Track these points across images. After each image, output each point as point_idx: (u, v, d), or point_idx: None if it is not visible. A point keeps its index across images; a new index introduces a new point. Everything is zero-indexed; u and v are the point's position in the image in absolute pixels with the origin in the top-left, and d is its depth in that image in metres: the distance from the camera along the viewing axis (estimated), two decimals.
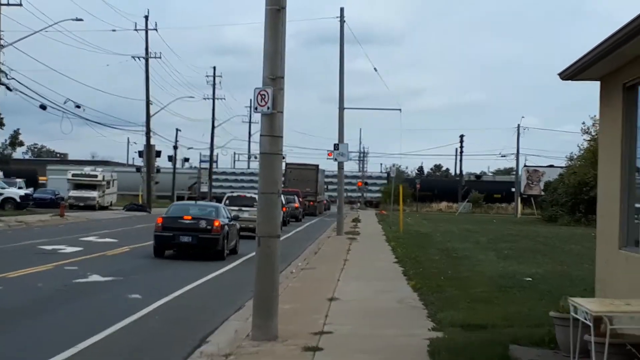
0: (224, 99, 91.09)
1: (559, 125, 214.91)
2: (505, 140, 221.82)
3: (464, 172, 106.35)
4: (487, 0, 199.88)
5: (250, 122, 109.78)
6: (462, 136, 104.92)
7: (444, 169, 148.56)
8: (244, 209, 36.16)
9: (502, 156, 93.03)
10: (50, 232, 36.62)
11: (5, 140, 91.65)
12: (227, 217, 27.33)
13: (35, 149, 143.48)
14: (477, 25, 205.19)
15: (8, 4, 41.05)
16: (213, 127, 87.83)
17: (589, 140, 56.63)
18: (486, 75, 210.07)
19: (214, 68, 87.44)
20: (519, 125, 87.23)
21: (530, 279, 19.23)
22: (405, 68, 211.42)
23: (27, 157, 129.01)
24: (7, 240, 30.45)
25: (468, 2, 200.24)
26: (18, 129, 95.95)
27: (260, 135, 12.31)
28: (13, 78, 41.76)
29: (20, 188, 61.16)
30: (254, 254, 13.01)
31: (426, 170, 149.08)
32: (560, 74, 13.11)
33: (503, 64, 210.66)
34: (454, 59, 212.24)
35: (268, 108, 11.94)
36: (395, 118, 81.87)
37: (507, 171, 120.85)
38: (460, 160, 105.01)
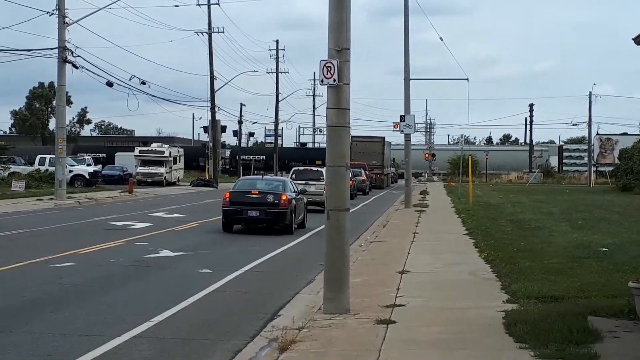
0: (288, 72, 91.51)
1: (633, 92, 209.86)
2: (577, 108, 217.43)
3: (534, 142, 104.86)
4: None
5: (314, 95, 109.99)
6: (531, 105, 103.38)
7: (512, 139, 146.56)
8: (310, 182, 36.14)
9: (573, 125, 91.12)
10: (119, 208, 37.13)
11: (73, 118, 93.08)
12: (294, 191, 27.30)
13: (103, 126, 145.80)
14: None
15: None
16: (277, 101, 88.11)
17: None
18: (558, 43, 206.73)
19: (277, 41, 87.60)
20: (590, 93, 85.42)
21: (605, 249, 18.77)
22: (475, 38, 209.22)
23: (94, 134, 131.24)
24: (78, 217, 30.94)
25: None
26: (85, 107, 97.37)
27: (327, 107, 12.18)
28: (79, 56, 42.19)
29: (89, 165, 62.14)
30: (321, 228, 12.93)
31: (495, 140, 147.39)
32: (635, 39, 12.68)
33: (575, 31, 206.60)
34: (525, 28, 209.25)
35: (334, 80, 11.79)
36: (463, 89, 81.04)
37: (579, 140, 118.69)
38: (530, 130, 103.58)
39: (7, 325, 11.11)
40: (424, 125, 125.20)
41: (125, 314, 12.11)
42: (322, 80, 12.00)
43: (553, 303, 12.00)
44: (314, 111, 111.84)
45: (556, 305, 11.78)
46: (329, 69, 11.81)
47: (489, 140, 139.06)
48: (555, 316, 10.69)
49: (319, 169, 38.98)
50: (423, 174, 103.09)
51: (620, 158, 68.99)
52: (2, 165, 54.55)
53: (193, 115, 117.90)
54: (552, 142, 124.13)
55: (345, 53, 11.89)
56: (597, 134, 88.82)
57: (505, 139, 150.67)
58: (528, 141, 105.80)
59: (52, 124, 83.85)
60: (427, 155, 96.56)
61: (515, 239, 21.57)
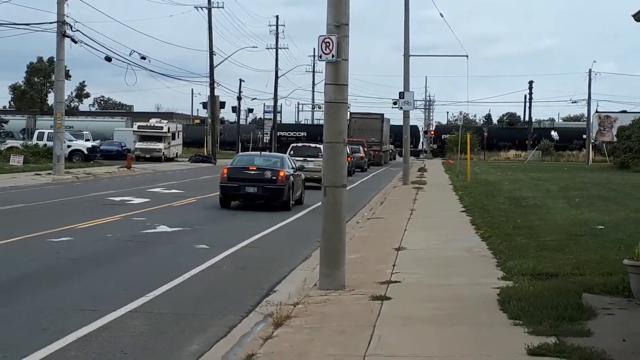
0: (287, 48, 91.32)
1: (634, 70, 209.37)
2: (577, 86, 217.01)
3: (533, 119, 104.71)
4: None
5: (314, 72, 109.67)
6: (531, 82, 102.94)
7: (516, 116, 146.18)
8: (308, 159, 36.10)
9: (572, 102, 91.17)
10: (117, 183, 37.13)
11: (72, 92, 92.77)
12: (292, 168, 27.30)
13: (102, 102, 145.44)
14: None
15: None
16: (277, 77, 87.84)
17: None
18: (559, 21, 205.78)
19: (277, 17, 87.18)
20: (590, 70, 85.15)
21: (602, 227, 18.79)
22: (477, 16, 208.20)
23: (93, 109, 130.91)
24: (76, 192, 30.95)
25: None
26: (84, 81, 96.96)
27: (325, 83, 12.17)
28: (78, 30, 42.03)
29: (87, 140, 62.06)
30: (319, 204, 12.94)
31: (495, 118, 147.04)
32: (634, 15, 12.63)
33: (577, 8, 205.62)
34: (527, 7, 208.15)
35: (333, 56, 11.77)
36: (464, 66, 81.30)
37: (578, 118, 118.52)
38: (530, 108, 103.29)
39: (3, 299, 11.14)
40: (423, 102, 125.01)
41: (122, 288, 12.15)
42: (320, 56, 11.99)
43: (548, 280, 12.03)
44: (313, 87, 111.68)
45: (551, 282, 11.82)
46: (328, 44, 11.78)
47: (488, 118, 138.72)
48: (549, 293, 10.73)
49: (317, 145, 38.93)
50: (423, 151, 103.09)
51: (619, 136, 68.95)
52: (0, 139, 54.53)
53: (192, 91, 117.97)
54: (552, 119, 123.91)
55: (344, 28, 11.85)
56: (597, 111, 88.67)
57: (509, 116, 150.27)
58: (527, 119, 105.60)
59: (50, 99, 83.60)
60: (433, 133, 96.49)
61: (512, 217, 21.60)
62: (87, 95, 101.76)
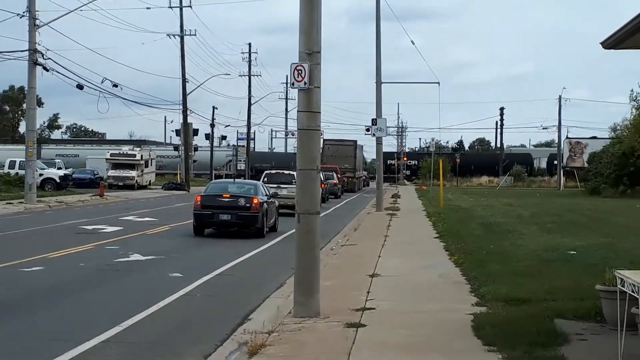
0: (260, 75, 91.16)
1: (605, 97, 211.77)
2: (548, 112, 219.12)
3: (505, 145, 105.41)
4: None
5: (286, 99, 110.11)
6: (502, 109, 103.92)
7: (486, 141, 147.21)
8: (282, 186, 36.10)
9: (543, 128, 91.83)
10: (90, 212, 36.90)
11: (44, 122, 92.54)
12: (266, 195, 27.28)
13: (74, 129, 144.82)
14: None
15: None
16: (250, 104, 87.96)
17: (638, 108, 55.26)
18: (531, 49, 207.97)
19: (249, 45, 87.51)
20: (560, 97, 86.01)
21: (574, 252, 18.93)
22: (452, 44, 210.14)
23: (65, 137, 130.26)
24: (48, 221, 30.72)
25: None
26: (57, 114, 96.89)
27: (298, 110, 12.22)
28: (49, 58, 41.85)
29: (59, 168, 61.66)
30: (293, 231, 12.92)
31: (467, 144, 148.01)
32: (602, 43, 12.78)
33: (548, 36, 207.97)
34: (500, 35, 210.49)
35: (305, 83, 11.82)
36: (435, 92, 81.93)
37: (548, 144, 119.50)
38: (501, 134, 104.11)
39: None
40: (396, 128, 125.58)
41: (95, 318, 12.05)
42: (293, 84, 12.03)
43: (521, 306, 12.08)
44: (286, 114, 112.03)
45: (524, 308, 11.87)
46: (300, 72, 11.83)
47: (460, 144, 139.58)
48: (523, 319, 10.78)
49: (291, 172, 38.96)
50: (395, 178, 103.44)
51: (590, 161, 69.63)
52: None
53: (165, 118, 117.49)
54: (522, 145, 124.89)
55: (316, 56, 11.92)
56: (567, 137, 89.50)
57: (480, 142, 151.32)
58: (499, 144, 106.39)
59: (22, 127, 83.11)
60: (405, 159, 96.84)
61: (485, 242, 21.70)
62: (59, 127, 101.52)
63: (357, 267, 17.76)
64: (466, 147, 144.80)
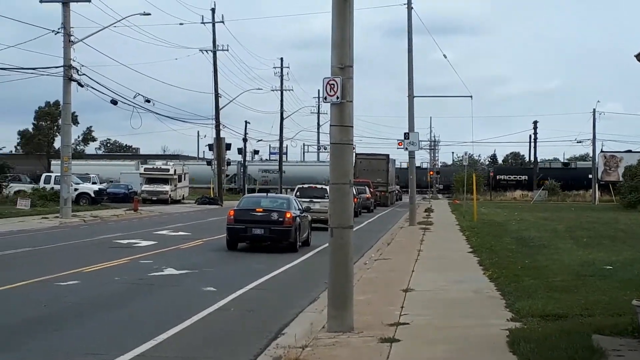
0: (292, 90, 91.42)
1: (639, 110, 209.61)
2: (582, 126, 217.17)
3: (538, 159, 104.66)
4: None
5: (318, 113, 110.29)
6: (535, 122, 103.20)
7: (520, 155, 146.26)
8: (315, 200, 36.13)
9: (578, 142, 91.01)
10: (124, 226, 37.15)
11: (79, 136, 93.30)
12: (299, 209, 27.30)
13: (109, 144, 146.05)
14: (556, 10, 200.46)
15: (77, 0, 41.45)
16: (282, 118, 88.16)
17: None
18: (565, 62, 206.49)
19: (282, 59, 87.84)
20: (594, 110, 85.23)
21: (610, 267, 18.73)
22: (482, 57, 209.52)
23: (100, 152, 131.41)
24: (83, 235, 30.97)
25: None
26: (91, 126, 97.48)
27: (330, 125, 12.21)
28: (84, 74, 42.32)
29: (94, 183, 62.19)
30: (326, 245, 12.93)
31: (500, 158, 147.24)
32: (637, 55, 12.67)
33: (582, 49, 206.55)
34: (535, 48, 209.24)
35: (337, 97, 11.82)
36: (468, 106, 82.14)
37: (583, 157, 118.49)
38: (535, 147, 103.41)
39: (10, 344, 11.11)
40: (429, 142, 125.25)
41: (129, 332, 12.11)
42: (325, 98, 12.03)
43: (557, 321, 11.97)
44: (318, 129, 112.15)
45: (560, 323, 11.76)
46: (332, 86, 11.85)
47: (493, 158, 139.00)
48: (559, 334, 10.66)
49: (324, 186, 38.98)
50: (428, 192, 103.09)
51: (625, 175, 68.90)
52: (5, 183, 54.69)
53: (198, 133, 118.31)
54: (556, 159, 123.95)
55: (348, 70, 11.93)
56: (602, 151, 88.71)
57: (514, 156, 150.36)
58: (532, 158, 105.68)
59: (57, 143, 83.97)
60: (432, 173, 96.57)
61: (519, 257, 21.54)
62: (94, 139, 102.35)
63: (390, 281, 17.70)
64: (499, 161, 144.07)
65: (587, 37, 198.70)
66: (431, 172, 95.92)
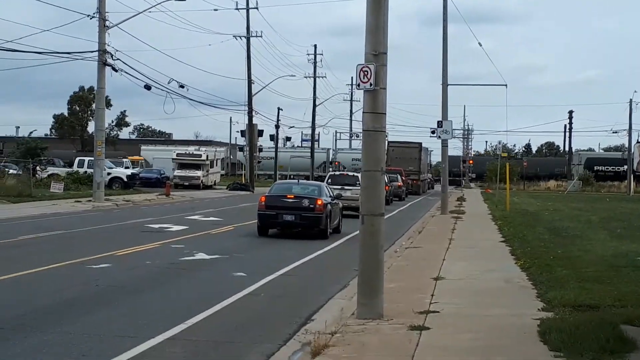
0: (325, 77, 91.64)
1: None
2: (618, 116, 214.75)
3: (573, 150, 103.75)
4: None
5: (351, 100, 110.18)
6: (571, 112, 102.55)
7: (555, 145, 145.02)
8: (346, 187, 36.11)
9: (613, 132, 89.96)
10: (156, 211, 37.38)
11: (112, 121, 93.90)
12: (330, 196, 27.28)
13: (142, 129, 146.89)
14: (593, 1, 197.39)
15: None
16: (314, 105, 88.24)
17: None
18: (600, 52, 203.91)
19: (315, 46, 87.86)
20: (631, 100, 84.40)
21: None
22: (517, 46, 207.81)
23: (133, 137, 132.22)
24: (115, 219, 31.20)
25: None
26: (124, 111, 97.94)
27: (363, 112, 12.17)
28: (118, 59, 42.53)
29: (127, 168, 62.60)
30: (357, 233, 12.89)
31: (534, 147, 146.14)
32: None
33: (618, 39, 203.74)
34: (571, 37, 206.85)
35: (370, 84, 11.77)
36: (502, 95, 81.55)
37: (618, 148, 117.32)
38: (570, 137, 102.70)
39: (42, 325, 11.22)
40: (462, 131, 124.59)
41: (160, 316, 12.18)
42: (358, 85, 11.98)
43: (589, 312, 11.85)
44: (350, 116, 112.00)
45: (592, 314, 11.64)
46: (366, 73, 11.79)
47: (527, 147, 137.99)
48: (590, 325, 10.55)
49: (355, 173, 38.94)
50: (461, 181, 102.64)
51: None
52: (41, 167, 55.22)
53: (230, 119, 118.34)
54: (591, 149, 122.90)
55: (382, 57, 11.87)
56: (638, 141, 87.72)
57: (548, 146, 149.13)
58: (567, 148, 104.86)
59: (91, 127, 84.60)
60: (466, 162, 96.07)
61: (552, 247, 21.37)
62: (127, 124, 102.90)
63: (421, 269, 17.64)
64: (534, 151, 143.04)
65: (624, 26, 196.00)
66: (465, 161, 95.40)
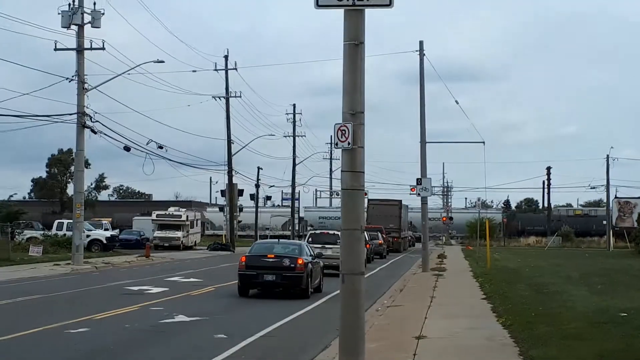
0: (304, 136, 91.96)
1: None
2: (596, 171, 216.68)
3: (552, 205, 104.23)
4: (582, 34, 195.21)
5: (331, 159, 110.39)
6: (549, 168, 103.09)
7: (534, 201, 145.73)
8: (327, 246, 36.03)
9: (591, 188, 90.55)
10: (136, 272, 37.07)
11: (92, 183, 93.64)
12: (311, 255, 27.19)
13: (121, 191, 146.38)
14: (571, 58, 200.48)
15: (91, 49, 41.86)
16: (294, 164, 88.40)
17: None
18: (576, 108, 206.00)
19: (294, 105, 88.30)
20: (608, 156, 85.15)
21: (625, 314, 18.50)
22: (494, 104, 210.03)
23: (112, 198, 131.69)
24: (94, 282, 30.90)
25: (564, 35, 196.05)
26: (103, 174, 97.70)
27: (342, 170, 12.20)
28: (97, 121, 42.55)
29: (106, 230, 62.31)
30: (338, 291, 12.81)
31: (513, 204, 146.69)
32: None
33: (595, 95, 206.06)
34: (543, 95, 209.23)
35: (348, 143, 11.83)
36: (481, 152, 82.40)
37: (597, 203, 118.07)
38: (548, 193, 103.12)
39: None
40: (441, 188, 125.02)
41: None
42: (336, 144, 12.05)
43: None
44: (330, 174, 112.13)
45: None
46: (344, 132, 11.86)
47: (506, 204, 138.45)
48: None
49: (336, 232, 38.89)
50: (441, 237, 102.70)
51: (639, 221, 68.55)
52: (17, 231, 54.80)
53: (210, 179, 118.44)
54: (569, 205, 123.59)
55: (359, 116, 11.95)
56: (616, 197, 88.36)
57: (527, 202, 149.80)
58: (546, 204, 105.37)
59: (70, 189, 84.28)
60: (444, 219, 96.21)
61: (533, 304, 21.32)
62: (106, 187, 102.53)
63: (403, 328, 17.53)
64: (513, 207, 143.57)
65: (600, 82, 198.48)
66: (444, 218, 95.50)
